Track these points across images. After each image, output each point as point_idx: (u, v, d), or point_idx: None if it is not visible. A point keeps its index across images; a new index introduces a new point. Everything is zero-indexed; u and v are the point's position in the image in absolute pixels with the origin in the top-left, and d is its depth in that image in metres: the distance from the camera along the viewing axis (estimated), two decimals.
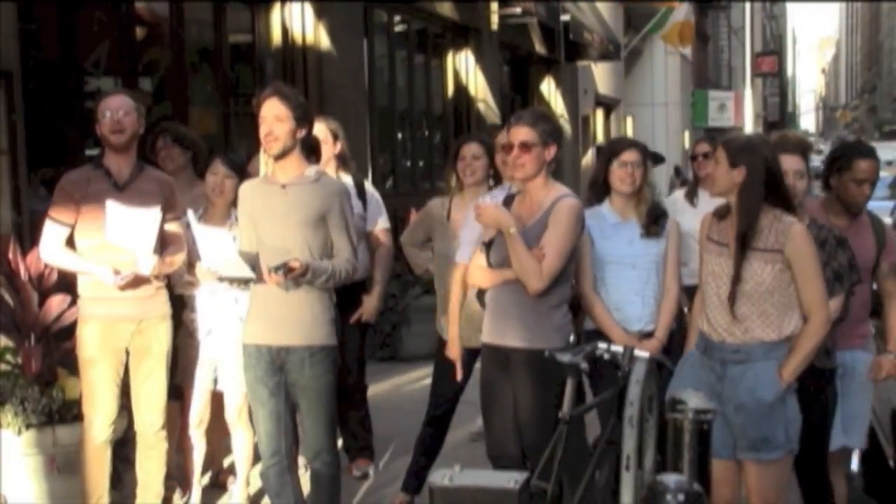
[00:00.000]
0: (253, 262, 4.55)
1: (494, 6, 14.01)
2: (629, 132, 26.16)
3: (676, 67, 30.90)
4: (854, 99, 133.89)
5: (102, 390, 4.88)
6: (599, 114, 23.48)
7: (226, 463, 6.12)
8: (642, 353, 4.27)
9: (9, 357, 5.38)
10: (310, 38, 9.68)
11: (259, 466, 4.80)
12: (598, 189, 4.91)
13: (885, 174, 23.96)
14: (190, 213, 4.91)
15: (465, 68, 14.12)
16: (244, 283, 4.83)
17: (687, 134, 32.37)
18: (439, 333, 5.59)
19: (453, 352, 5.13)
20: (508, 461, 4.52)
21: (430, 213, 5.65)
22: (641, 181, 4.83)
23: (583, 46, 18.04)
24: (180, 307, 5.35)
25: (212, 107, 8.80)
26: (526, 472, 3.41)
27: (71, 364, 5.13)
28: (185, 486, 5.69)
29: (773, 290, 4.01)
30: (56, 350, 5.31)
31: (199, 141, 6.08)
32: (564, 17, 16.62)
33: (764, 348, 4.03)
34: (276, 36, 9.53)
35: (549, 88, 18.24)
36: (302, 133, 4.56)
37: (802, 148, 4.73)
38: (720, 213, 4.19)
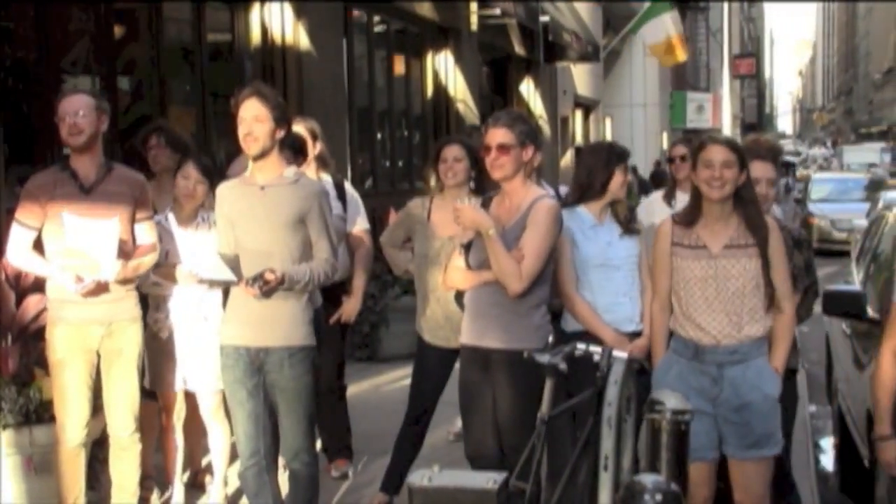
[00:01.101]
0: (232, 264, 4.54)
1: (474, 6, 14.02)
2: (608, 133, 26.25)
3: (655, 69, 30.94)
4: (831, 101, 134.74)
5: (73, 393, 4.86)
6: (578, 115, 23.53)
7: (204, 463, 6.11)
8: (620, 354, 4.29)
9: None
10: (289, 38, 9.65)
11: (237, 465, 4.80)
12: (592, 192, 4.90)
13: (859, 176, 24.17)
14: (170, 216, 4.90)
15: (445, 69, 14.12)
16: (221, 285, 4.83)
17: (665, 135, 32.49)
18: (419, 333, 5.60)
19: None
20: (487, 461, 4.53)
21: (411, 214, 5.65)
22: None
23: (562, 47, 18.07)
24: (145, 308, 5.33)
25: (190, 106, 8.76)
26: (504, 473, 3.42)
27: (46, 365, 5.11)
28: (165, 486, 5.68)
29: (759, 285, 4.06)
30: (33, 350, 5.27)
31: (190, 145, 6.07)
32: (543, 19, 16.64)
33: (756, 345, 4.10)
34: (256, 35, 9.50)
35: (528, 89, 18.26)
36: (280, 133, 4.55)
37: (774, 154, 4.78)
38: (687, 220, 4.21)
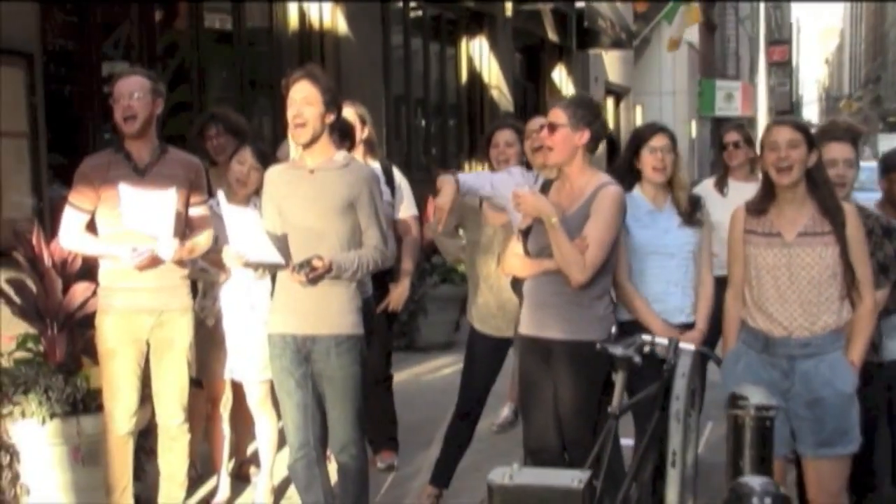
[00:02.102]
0: (280, 244, 4.42)
1: None
2: (638, 121, 26.00)
3: (684, 56, 30.67)
4: (858, 89, 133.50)
5: (122, 383, 4.77)
6: (610, 103, 23.32)
7: (249, 452, 6.03)
8: (687, 346, 4.16)
9: (30, 345, 5.28)
10: (327, 24, 9.54)
11: (283, 456, 4.69)
12: (627, 177, 4.76)
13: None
14: (220, 195, 4.79)
15: (480, 55, 13.97)
16: (272, 269, 4.71)
17: (694, 123, 32.18)
18: (470, 322, 5.47)
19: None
20: (549, 455, 4.42)
21: (462, 201, 5.52)
22: (673, 167, 4.70)
23: (595, 34, 17.88)
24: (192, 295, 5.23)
25: (229, 92, 8.66)
26: (588, 471, 3.28)
27: (94, 353, 5.03)
28: (210, 475, 5.60)
29: (835, 273, 3.92)
30: (80, 338, 5.20)
31: (248, 130, 5.96)
32: (579, 4, 16.45)
33: (831, 338, 3.95)
34: (294, 21, 9.39)
35: (560, 76, 18.08)
36: (331, 118, 4.44)
37: (852, 135, 4.61)
38: (759, 208, 4.07)
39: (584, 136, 4.33)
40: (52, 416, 4.93)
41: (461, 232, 5.75)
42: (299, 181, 4.42)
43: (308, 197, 4.38)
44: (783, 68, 49.66)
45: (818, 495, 3.94)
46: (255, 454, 6.00)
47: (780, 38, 49.90)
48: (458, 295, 9.80)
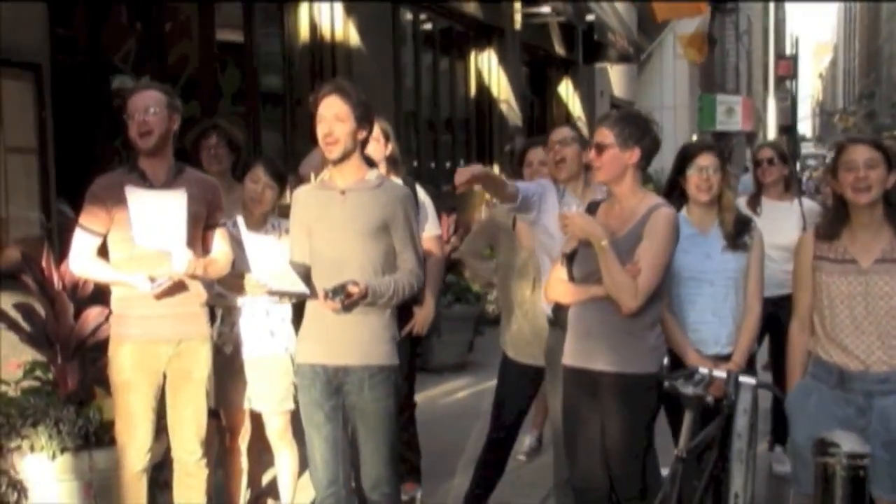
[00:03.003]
0: (304, 274, 4.16)
1: (518, 5, 13.64)
2: None
3: (685, 71, 30.57)
4: (851, 104, 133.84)
5: (138, 417, 4.48)
6: None
7: (264, 481, 5.75)
8: (748, 380, 3.90)
9: (38, 373, 5.00)
10: (339, 36, 9.30)
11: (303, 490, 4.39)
12: (673, 197, 4.52)
13: None
14: (240, 220, 4.52)
15: (489, 69, 13.75)
16: (293, 297, 4.44)
17: (695, 137, 32.04)
18: (503, 349, 5.20)
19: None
20: (596, 494, 4.15)
21: (495, 222, 5.28)
22: (720, 187, 4.45)
23: (602, 48, 17.68)
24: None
25: (239, 106, 8.41)
26: None
27: (106, 383, 4.74)
28: None
29: None
30: (91, 367, 4.91)
31: (243, 146, 5.72)
32: (590, 17, 16.25)
33: None
34: (304, 32, 9.13)
35: (566, 90, 17.88)
36: (363, 134, 4.19)
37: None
38: (831, 233, 3.81)
39: (635, 154, 4.07)
40: (63, 450, 4.63)
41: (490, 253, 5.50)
42: (330, 202, 4.16)
43: (340, 219, 4.13)
44: (782, 83, 49.69)
45: None
46: (271, 486, 5.75)
47: (785, 53, 49.93)
48: (472, 314, 9.58)
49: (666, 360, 4.16)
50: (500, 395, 5.22)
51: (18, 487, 4.67)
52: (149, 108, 4.42)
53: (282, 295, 4.30)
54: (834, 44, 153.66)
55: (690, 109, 31.55)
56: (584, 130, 16.93)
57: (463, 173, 4.24)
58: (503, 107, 13.95)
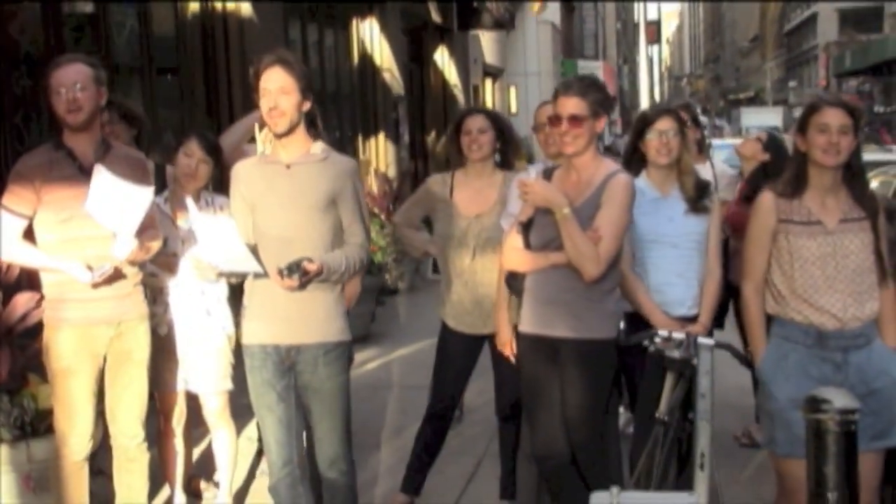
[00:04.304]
0: (254, 251, 4.06)
1: None
2: (513, 102, 26.02)
3: (548, 37, 30.87)
4: (699, 69, 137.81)
5: (80, 403, 4.32)
6: (488, 84, 23.24)
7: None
8: (706, 341, 3.99)
9: None
10: (230, 6, 9.06)
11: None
12: (633, 162, 4.57)
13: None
14: (189, 200, 4.38)
15: (370, 38, 13.63)
16: (240, 277, 4.33)
17: None
18: (442, 319, 5.17)
19: (504, 337, 4.64)
20: (557, 461, 4.19)
21: (430, 191, 5.22)
22: (679, 151, 4.52)
23: (478, 14, 17.72)
24: None
25: (134, 79, 8.12)
26: (694, 494, 3.04)
27: (39, 369, 4.55)
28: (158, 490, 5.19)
29: (873, 260, 3.80)
30: (21, 354, 4.70)
31: (144, 118, 5.51)
32: None
33: (873, 325, 3.82)
34: (194, 3, 8.87)
35: (442, 58, 17.87)
36: (307, 105, 4.09)
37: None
38: (792, 192, 3.88)
39: (602, 122, 4.09)
40: (0, 441, 4.43)
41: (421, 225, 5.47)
42: (275, 177, 4.06)
43: (287, 194, 4.03)
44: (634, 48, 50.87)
45: (868, 494, 3.77)
46: (203, 467, 5.64)
47: (636, 20, 51.13)
48: (374, 286, 9.52)
49: (622, 325, 4.22)
50: (439, 366, 5.19)
51: None
52: (76, 83, 4.23)
53: (234, 275, 4.19)
54: (679, 10, 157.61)
55: (555, 76, 31.91)
56: (460, 98, 16.94)
57: None
58: (386, 76, 13.87)
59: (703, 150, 6.38)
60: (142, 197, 4.21)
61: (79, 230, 4.20)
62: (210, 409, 5.08)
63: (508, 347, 4.58)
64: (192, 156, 4.92)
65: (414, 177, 14.74)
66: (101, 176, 4.11)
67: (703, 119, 7.09)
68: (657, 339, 3.94)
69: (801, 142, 3.84)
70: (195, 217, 4.16)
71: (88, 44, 7.38)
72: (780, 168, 5.60)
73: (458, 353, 5.14)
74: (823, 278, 3.79)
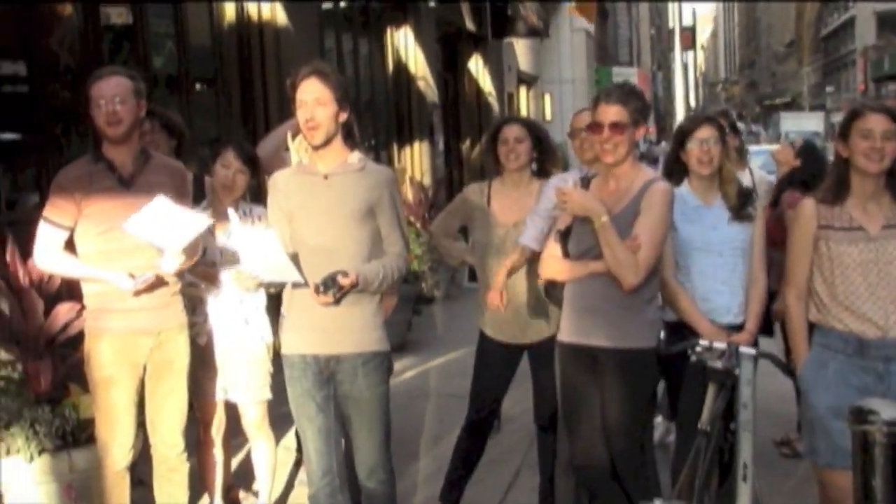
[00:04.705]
0: (296, 262, 4.06)
1: None
2: (547, 109, 25.99)
3: (582, 45, 30.86)
4: (733, 74, 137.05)
5: (121, 413, 4.33)
6: (523, 91, 23.21)
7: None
8: (748, 350, 3.94)
9: (4, 372, 4.78)
10: (266, 16, 9.10)
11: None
12: (675, 171, 4.55)
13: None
14: (230, 211, 4.39)
15: (405, 46, 13.64)
16: (278, 286, 4.33)
17: None
18: (482, 330, 5.16)
19: (496, 285, 4.81)
20: (598, 470, 4.16)
21: (468, 200, 5.21)
22: (721, 159, 4.49)
23: (512, 21, 17.70)
24: None
25: (172, 89, 8.17)
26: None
27: (81, 379, 4.57)
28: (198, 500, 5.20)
29: None
30: (61, 364, 4.73)
31: (185, 128, 5.54)
32: None
33: None
34: (231, 13, 8.91)
35: (477, 66, 17.86)
36: (344, 116, 4.09)
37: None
38: (835, 199, 3.84)
39: (641, 131, 4.08)
40: (42, 451, 4.46)
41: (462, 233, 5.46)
42: (313, 188, 4.06)
43: (325, 205, 4.03)
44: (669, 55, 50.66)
45: None
46: (242, 477, 5.65)
47: (670, 26, 50.78)
48: (411, 295, 9.52)
49: (662, 334, 4.19)
50: (478, 375, 5.17)
51: None
52: (115, 96, 4.26)
53: (273, 285, 4.19)
54: (714, 15, 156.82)
55: (589, 83, 31.86)
56: (495, 106, 16.94)
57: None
58: (420, 84, 13.88)
59: (742, 157, 6.34)
60: (198, 222, 4.24)
61: (117, 241, 4.22)
62: (249, 418, 5.08)
63: (497, 297, 4.75)
64: (228, 166, 4.94)
65: (449, 185, 14.74)
66: (162, 203, 4.13)
67: (739, 125, 7.05)
68: (698, 349, 3.90)
69: (842, 148, 3.79)
70: (236, 227, 4.16)
71: (126, 55, 7.44)
72: (810, 174, 5.63)
73: (496, 362, 5.12)
74: (865, 285, 3.74)
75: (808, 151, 6.10)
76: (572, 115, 5.25)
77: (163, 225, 4.13)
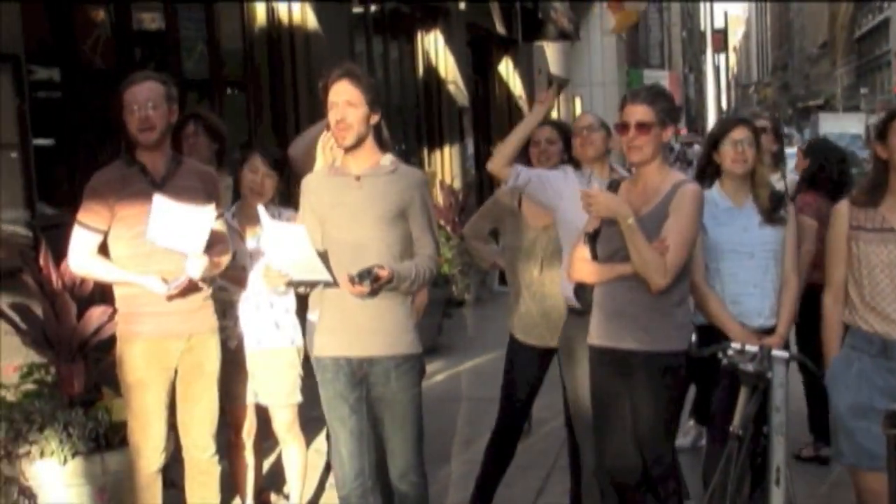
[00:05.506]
0: (325, 261, 4.06)
1: None
2: (578, 112, 25.92)
3: (612, 47, 30.74)
4: (767, 76, 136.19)
5: (153, 416, 4.37)
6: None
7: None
8: (780, 353, 3.91)
9: (38, 376, 4.82)
10: (297, 19, 9.14)
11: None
12: (707, 172, 4.52)
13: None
14: (260, 209, 4.41)
15: (435, 50, 13.65)
16: (314, 286, 4.34)
17: None
18: (511, 334, 5.14)
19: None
20: (629, 474, 4.13)
21: (500, 203, 5.21)
22: (755, 161, 4.46)
23: (542, 25, 17.67)
24: None
25: (204, 93, 8.22)
26: None
27: (113, 382, 4.60)
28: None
29: None
30: (94, 367, 4.76)
31: (226, 133, 5.58)
32: None
33: None
34: (261, 17, 8.95)
35: (507, 69, 17.85)
36: (375, 118, 4.10)
37: None
38: (870, 200, 3.80)
39: (669, 132, 4.05)
40: (75, 454, 4.49)
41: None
42: (345, 189, 4.07)
43: (357, 206, 4.04)
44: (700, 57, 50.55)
45: None
46: (273, 480, 5.66)
47: (702, 28, 50.79)
48: (441, 298, 9.51)
49: (693, 337, 4.16)
50: (508, 379, 5.16)
51: (29, 494, 4.52)
52: (148, 101, 4.29)
53: (303, 285, 4.19)
54: (746, 17, 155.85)
55: (619, 85, 31.73)
56: (525, 109, 16.89)
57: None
58: (450, 87, 13.88)
59: (778, 162, 6.31)
60: (204, 216, 4.25)
61: (150, 245, 4.25)
62: (280, 421, 5.10)
63: None
64: (256, 171, 4.96)
65: (479, 188, 14.72)
66: (160, 203, 4.16)
67: None
68: (730, 352, 3.87)
69: (881, 149, 3.76)
70: (267, 225, 4.16)
71: (157, 59, 7.50)
72: (810, 171, 5.62)
73: (526, 365, 5.10)
74: (892, 287, 3.71)
75: (812, 149, 6.14)
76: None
77: (176, 227, 4.15)
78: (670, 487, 4.07)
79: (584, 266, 4.21)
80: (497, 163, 4.72)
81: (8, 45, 5.36)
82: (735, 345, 3.94)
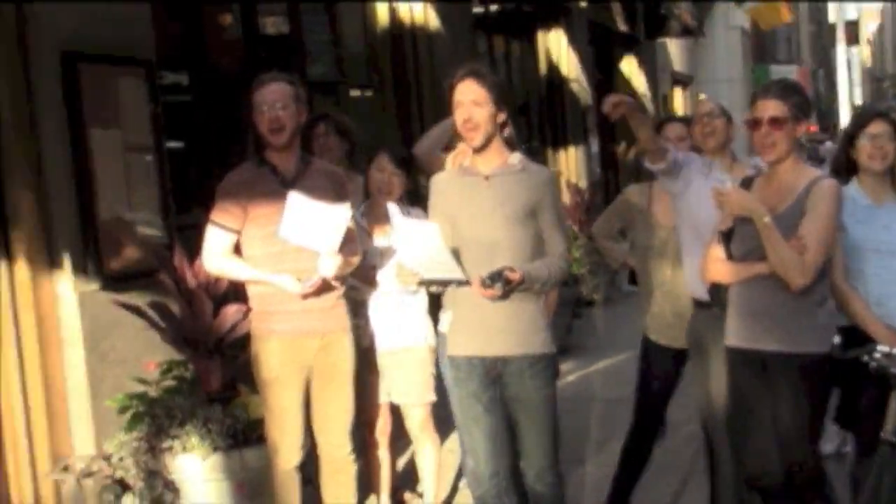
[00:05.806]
0: (458, 260, 4.03)
1: None
2: None
3: (737, 43, 30.08)
4: None
5: (289, 413, 4.41)
6: (678, 92, 22.79)
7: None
8: None
9: (177, 372, 4.92)
10: (419, 19, 9.16)
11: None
12: (844, 169, 4.34)
13: None
14: (392, 207, 4.41)
15: (557, 48, 13.55)
16: (447, 285, 4.31)
17: None
18: (645, 334, 5.04)
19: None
20: (772, 480, 3.98)
21: (629, 202, 5.12)
22: (894, 156, 4.26)
23: (665, 22, 17.39)
24: None
25: (329, 96, 8.31)
26: None
27: (248, 379, 4.66)
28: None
29: None
30: (231, 364, 4.82)
31: (357, 133, 5.61)
32: None
33: None
34: (384, 17, 9.00)
35: (629, 67, 17.63)
36: (502, 117, 4.07)
37: None
38: None
39: (802, 127, 3.92)
40: (215, 449, 4.56)
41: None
42: (474, 189, 4.05)
43: (488, 205, 4.02)
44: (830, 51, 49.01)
45: None
46: (406, 479, 5.66)
47: (830, 22, 49.12)
48: (570, 298, 9.41)
49: (837, 339, 3.98)
50: (642, 379, 5.07)
51: (172, 488, 4.61)
52: (276, 102, 4.34)
53: (435, 283, 4.17)
54: (881, 9, 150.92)
55: (745, 82, 31.04)
56: (649, 107, 16.59)
57: (612, 99, 4.21)
58: (574, 86, 13.76)
59: None
60: (338, 214, 4.26)
61: (282, 244, 4.29)
62: (413, 421, 5.10)
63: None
64: (383, 171, 4.99)
65: (605, 187, 14.56)
66: (295, 200, 4.19)
67: None
68: (877, 355, 3.69)
69: None
70: (399, 223, 4.15)
71: (282, 62, 7.60)
72: None
73: (661, 366, 5.00)
74: None
75: None
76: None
77: (310, 225, 4.18)
78: (817, 494, 3.90)
79: (719, 266, 4.09)
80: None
81: (141, 51, 5.48)
82: (882, 348, 3.76)
